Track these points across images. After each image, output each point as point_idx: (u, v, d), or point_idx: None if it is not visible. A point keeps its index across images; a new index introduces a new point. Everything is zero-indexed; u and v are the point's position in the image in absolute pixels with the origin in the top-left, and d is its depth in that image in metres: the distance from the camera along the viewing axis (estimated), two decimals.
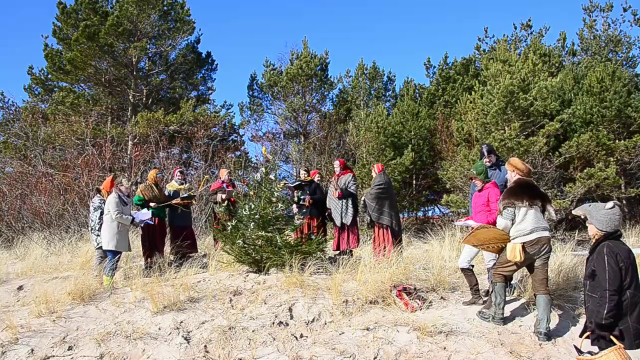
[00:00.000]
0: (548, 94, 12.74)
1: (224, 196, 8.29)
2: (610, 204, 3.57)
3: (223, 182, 8.60)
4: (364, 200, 7.38)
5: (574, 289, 5.55)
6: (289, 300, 5.45)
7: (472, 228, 5.03)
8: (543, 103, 12.53)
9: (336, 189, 7.74)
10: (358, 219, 8.21)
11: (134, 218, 6.82)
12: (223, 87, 45.30)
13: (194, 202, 8.41)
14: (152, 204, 7.49)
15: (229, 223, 6.78)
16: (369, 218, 7.43)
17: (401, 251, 6.99)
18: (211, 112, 17.54)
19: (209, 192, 8.53)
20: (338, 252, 7.78)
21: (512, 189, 4.75)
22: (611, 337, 3.32)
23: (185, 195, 7.93)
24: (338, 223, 7.62)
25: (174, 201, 7.76)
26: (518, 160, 5.01)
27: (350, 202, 7.64)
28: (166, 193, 8.00)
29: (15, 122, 17.78)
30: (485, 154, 6.26)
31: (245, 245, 6.50)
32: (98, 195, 7.01)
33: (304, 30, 64.71)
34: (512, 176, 4.91)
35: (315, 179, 8.47)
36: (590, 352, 3.37)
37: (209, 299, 5.58)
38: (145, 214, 7.12)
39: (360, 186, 7.75)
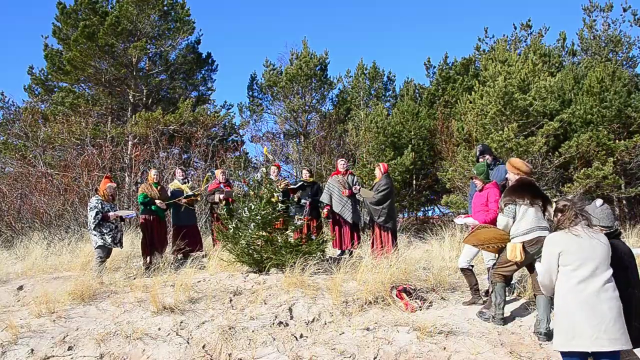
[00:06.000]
0: (547, 94, 12.74)
1: (221, 196, 8.26)
2: (599, 201, 3.61)
3: (220, 182, 8.58)
4: (368, 204, 7.40)
5: None
6: (289, 300, 5.45)
7: (472, 227, 5.02)
8: (542, 103, 12.53)
9: (345, 187, 7.78)
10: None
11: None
12: (223, 87, 45.13)
13: (198, 199, 8.46)
14: (157, 202, 7.49)
15: (230, 225, 6.77)
16: (368, 218, 7.47)
17: (397, 250, 7.01)
18: (211, 112, 17.53)
19: (207, 193, 8.52)
20: (340, 252, 7.78)
21: (513, 187, 4.75)
22: None
23: (190, 193, 7.94)
24: (350, 220, 7.70)
25: (178, 199, 7.78)
26: (519, 160, 4.97)
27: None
28: (169, 192, 8.00)
29: (15, 122, 17.77)
30: (478, 154, 6.29)
31: (246, 245, 6.50)
32: (96, 195, 7.00)
33: (304, 30, 64.64)
34: (513, 177, 4.89)
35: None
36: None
37: (209, 299, 5.58)
38: (128, 213, 7.37)
39: (362, 186, 8.06)
